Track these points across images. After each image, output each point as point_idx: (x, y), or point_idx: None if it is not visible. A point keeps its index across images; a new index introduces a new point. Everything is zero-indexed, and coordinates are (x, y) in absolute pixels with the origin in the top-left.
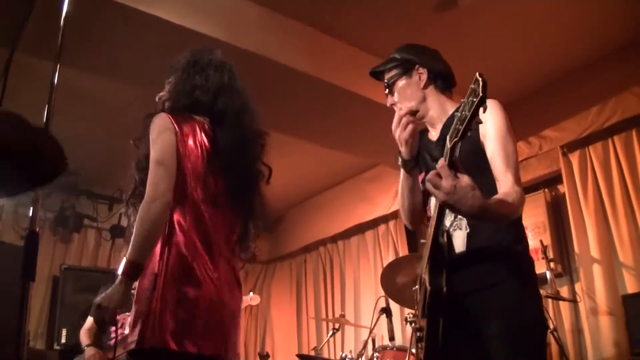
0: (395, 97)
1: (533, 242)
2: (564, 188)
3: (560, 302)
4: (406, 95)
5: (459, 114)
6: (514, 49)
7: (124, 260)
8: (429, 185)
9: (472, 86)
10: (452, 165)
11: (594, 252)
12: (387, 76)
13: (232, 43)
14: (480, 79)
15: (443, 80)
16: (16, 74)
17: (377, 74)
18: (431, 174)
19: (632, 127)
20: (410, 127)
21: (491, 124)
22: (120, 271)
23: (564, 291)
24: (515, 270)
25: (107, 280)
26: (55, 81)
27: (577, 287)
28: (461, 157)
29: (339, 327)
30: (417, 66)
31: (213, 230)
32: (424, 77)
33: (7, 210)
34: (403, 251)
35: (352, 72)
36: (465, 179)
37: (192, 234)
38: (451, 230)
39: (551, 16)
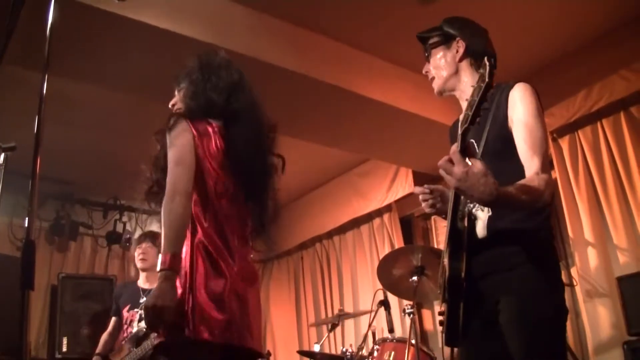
0: (431, 65)
1: None
2: (555, 173)
3: None
4: (440, 64)
5: (470, 99)
6: (499, 38)
7: (160, 256)
8: (441, 171)
9: (481, 71)
10: (465, 151)
11: (588, 235)
12: (428, 42)
13: (219, 45)
14: (487, 64)
15: (482, 59)
16: (3, 84)
17: (422, 40)
18: (443, 159)
19: (620, 109)
20: (425, 204)
21: (520, 109)
22: (159, 268)
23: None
24: (534, 255)
25: (105, 287)
26: (45, 91)
27: (573, 271)
28: (488, 141)
29: (338, 322)
30: (457, 39)
31: (229, 227)
32: (461, 50)
33: (2, 221)
34: (398, 243)
35: (339, 68)
36: (477, 165)
37: (212, 231)
38: (474, 210)
39: (536, 4)
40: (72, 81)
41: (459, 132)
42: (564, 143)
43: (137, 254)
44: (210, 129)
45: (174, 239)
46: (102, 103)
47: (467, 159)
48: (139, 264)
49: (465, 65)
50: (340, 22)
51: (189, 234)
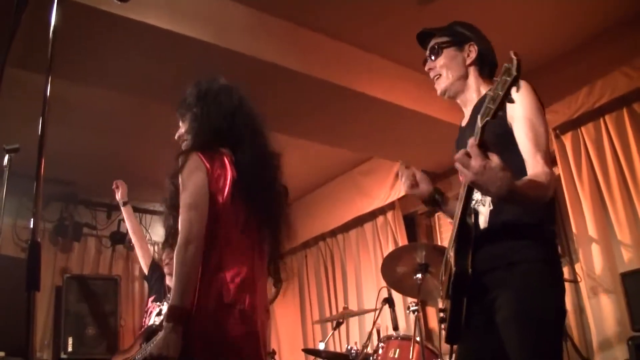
0: (438, 63)
1: None
2: (558, 170)
3: None
4: (451, 65)
5: (492, 93)
6: (500, 36)
7: (168, 306)
8: (458, 165)
9: (506, 65)
10: (483, 145)
11: (592, 231)
12: (437, 40)
13: (220, 45)
14: (514, 58)
15: (488, 67)
16: (5, 88)
17: (424, 37)
18: (460, 152)
19: (623, 106)
20: (406, 184)
21: (520, 105)
22: (166, 319)
23: (565, 272)
24: (535, 252)
25: (109, 287)
26: (48, 93)
27: (577, 267)
28: (487, 137)
29: (343, 320)
30: (471, 42)
31: (248, 262)
32: (473, 55)
33: (6, 222)
34: (402, 241)
35: (341, 67)
36: (495, 159)
37: (232, 272)
38: (475, 206)
39: (536, 2)
40: (74, 83)
41: (479, 124)
42: (567, 140)
43: (163, 258)
44: (225, 159)
45: (183, 292)
46: (103, 104)
47: (486, 153)
48: (166, 269)
49: (472, 70)
50: (340, 21)
51: (203, 278)
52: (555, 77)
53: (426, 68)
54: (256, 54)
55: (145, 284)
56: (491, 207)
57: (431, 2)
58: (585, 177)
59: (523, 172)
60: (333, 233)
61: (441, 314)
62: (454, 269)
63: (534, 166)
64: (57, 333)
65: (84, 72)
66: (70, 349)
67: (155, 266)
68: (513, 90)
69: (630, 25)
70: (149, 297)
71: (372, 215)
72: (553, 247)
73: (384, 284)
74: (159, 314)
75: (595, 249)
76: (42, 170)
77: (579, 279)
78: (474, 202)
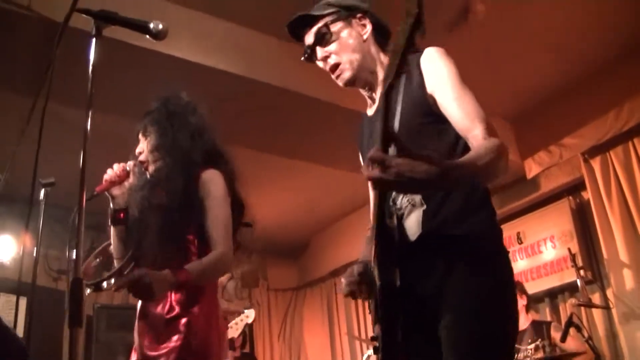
0: (331, 49)
1: (561, 251)
2: (587, 194)
3: (593, 310)
4: (348, 45)
5: (393, 47)
6: (527, 60)
7: (185, 271)
8: (368, 173)
9: (406, 6)
10: (390, 137)
11: (623, 256)
12: (320, 23)
13: (249, 77)
14: None
15: (384, 35)
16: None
17: (300, 25)
18: (366, 166)
19: None
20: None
21: (439, 75)
22: (176, 276)
23: (596, 298)
24: (478, 247)
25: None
26: (88, 128)
27: (609, 292)
28: (404, 120)
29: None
30: (359, 14)
31: None
32: (369, 26)
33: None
34: None
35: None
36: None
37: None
38: (404, 211)
39: (561, 24)
40: (108, 116)
41: (382, 92)
42: (596, 164)
43: None
44: None
45: (204, 279)
46: (132, 134)
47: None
48: None
49: (372, 46)
50: None
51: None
52: (582, 101)
53: (319, 58)
54: (286, 85)
55: None
56: (424, 207)
57: (455, 27)
58: (615, 201)
59: (453, 155)
60: None
61: (375, 343)
62: (378, 284)
63: (475, 139)
64: None
65: (119, 104)
66: None
67: None
68: (422, 60)
69: None
70: None
71: None
72: (495, 236)
73: None
74: None
75: (627, 274)
76: (84, 204)
77: (611, 305)
78: (400, 205)
